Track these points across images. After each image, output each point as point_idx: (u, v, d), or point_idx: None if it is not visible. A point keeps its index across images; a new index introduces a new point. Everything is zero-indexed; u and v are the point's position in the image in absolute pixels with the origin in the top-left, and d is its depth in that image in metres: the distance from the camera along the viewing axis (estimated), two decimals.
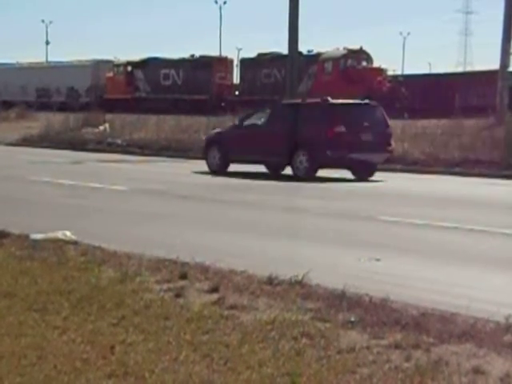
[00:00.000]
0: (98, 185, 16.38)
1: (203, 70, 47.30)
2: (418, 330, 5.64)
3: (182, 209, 13.37)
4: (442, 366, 4.96)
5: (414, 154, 21.31)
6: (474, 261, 8.87)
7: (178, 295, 6.64)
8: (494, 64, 28.66)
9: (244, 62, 48.96)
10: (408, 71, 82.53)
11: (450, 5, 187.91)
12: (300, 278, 7.09)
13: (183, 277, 7.25)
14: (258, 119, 20.10)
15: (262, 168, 19.65)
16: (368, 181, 18.33)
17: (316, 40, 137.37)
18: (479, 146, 20.94)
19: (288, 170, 18.97)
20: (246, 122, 20.37)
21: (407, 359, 5.09)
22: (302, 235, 10.57)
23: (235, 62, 52.02)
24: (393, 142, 19.36)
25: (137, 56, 53.12)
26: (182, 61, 49.41)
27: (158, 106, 44.56)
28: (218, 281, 7.09)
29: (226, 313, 6.11)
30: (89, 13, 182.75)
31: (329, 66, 42.92)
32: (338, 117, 18.62)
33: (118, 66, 52.84)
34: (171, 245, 9.05)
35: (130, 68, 51.75)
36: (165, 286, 6.94)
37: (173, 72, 49.51)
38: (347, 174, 19.56)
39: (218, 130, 22.83)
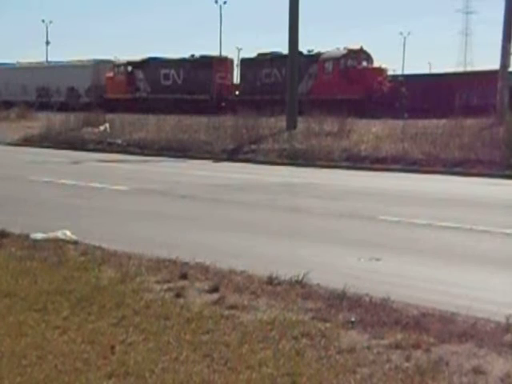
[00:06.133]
0: (98, 185, 16.38)
1: (203, 70, 47.27)
2: (418, 330, 5.64)
3: (182, 209, 13.36)
4: (442, 365, 4.96)
5: (414, 154, 21.29)
6: (474, 261, 8.87)
7: (178, 295, 6.64)
8: (494, 64, 28.63)
9: (244, 62, 48.90)
10: (408, 71, 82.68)
11: (449, 5, 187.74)
12: (300, 277, 7.10)
13: (183, 277, 7.26)
14: None
15: (260, 169, 19.61)
16: (368, 181, 18.32)
17: (316, 40, 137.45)
18: (479, 145, 20.90)
19: None
20: None
21: (407, 359, 5.09)
22: (302, 235, 10.57)
23: (235, 62, 52.08)
24: None
25: (137, 56, 53.11)
26: (182, 61, 49.36)
27: (159, 105, 44.45)
28: (218, 281, 7.09)
29: (226, 313, 6.11)
30: (89, 13, 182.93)
31: (329, 65, 42.88)
32: None
33: (118, 66, 52.81)
34: (171, 245, 9.06)
35: (130, 68, 51.72)
36: (165, 286, 6.95)
37: (173, 72, 49.48)
38: (347, 174, 19.59)
39: None
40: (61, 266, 7.69)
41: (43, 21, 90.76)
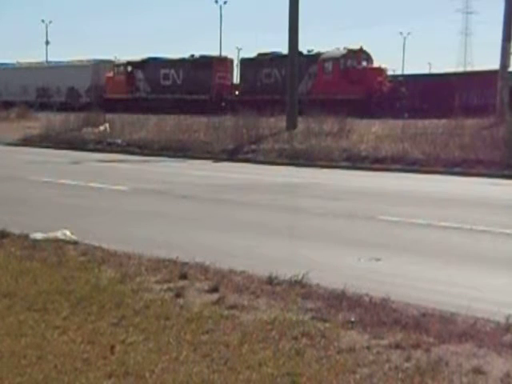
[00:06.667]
0: (98, 185, 16.37)
1: (203, 70, 47.31)
2: (418, 330, 5.64)
3: (182, 209, 13.36)
4: (442, 365, 4.96)
5: (414, 154, 21.28)
6: (474, 261, 8.87)
7: (178, 295, 6.64)
8: (494, 64, 28.67)
9: (244, 62, 48.95)
10: (408, 71, 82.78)
11: (449, 5, 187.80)
12: (300, 277, 7.10)
13: (183, 277, 7.25)
14: None
15: (260, 169, 19.62)
16: (368, 181, 18.33)
17: (316, 40, 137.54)
18: (479, 145, 20.89)
19: None
20: None
21: (407, 359, 5.09)
22: (302, 235, 10.57)
23: (235, 62, 52.12)
24: None
25: (137, 56, 53.20)
26: (181, 61, 49.40)
27: (158, 105, 44.53)
28: (218, 281, 7.09)
29: (226, 313, 6.11)
30: (89, 12, 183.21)
31: (329, 65, 42.92)
32: None
33: (118, 66, 52.86)
34: (171, 245, 9.06)
35: (130, 68, 51.77)
36: (165, 286, 6.95)
37: (173, 72, 49.52)
38: (347, 174, 19.58)
39: None
40: (61, 266, 7.68)
41: (43, 21, 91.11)
